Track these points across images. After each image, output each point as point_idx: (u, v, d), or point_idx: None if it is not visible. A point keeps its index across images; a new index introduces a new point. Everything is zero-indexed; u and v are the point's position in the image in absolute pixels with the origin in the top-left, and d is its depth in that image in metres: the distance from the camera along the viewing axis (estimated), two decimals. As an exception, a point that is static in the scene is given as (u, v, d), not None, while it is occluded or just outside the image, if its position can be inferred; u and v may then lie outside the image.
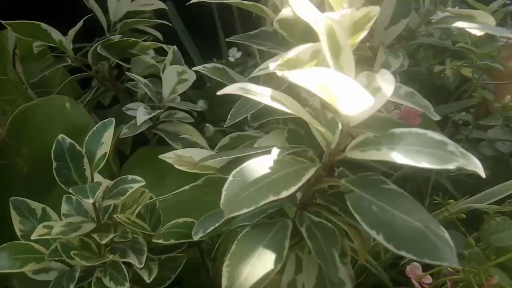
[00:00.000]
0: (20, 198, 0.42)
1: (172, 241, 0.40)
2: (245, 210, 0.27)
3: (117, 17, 0.62)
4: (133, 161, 0.58)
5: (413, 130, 0.30)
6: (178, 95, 0.58)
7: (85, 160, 0.40)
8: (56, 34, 0.57)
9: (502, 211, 0.62)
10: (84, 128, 0.48)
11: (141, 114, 0.54)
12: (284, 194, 0.27)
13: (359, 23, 0.29)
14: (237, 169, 0.30)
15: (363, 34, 0.30)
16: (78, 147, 0.40)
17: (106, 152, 0.40)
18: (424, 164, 0.27)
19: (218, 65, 0.47)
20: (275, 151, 0.31)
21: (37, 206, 0.42)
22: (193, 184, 0.38)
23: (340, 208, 0.35)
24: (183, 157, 0.39)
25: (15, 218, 0.41)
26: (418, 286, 0.55)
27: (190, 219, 0.42)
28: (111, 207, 0.43)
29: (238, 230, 0.43)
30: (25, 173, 0.45)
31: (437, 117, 0.35)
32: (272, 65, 0.29)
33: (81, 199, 0.44)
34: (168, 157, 0.39)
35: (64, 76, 0.67)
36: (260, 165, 0.30)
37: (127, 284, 0.38)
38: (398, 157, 0.28)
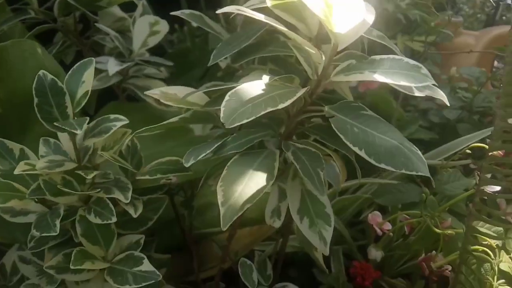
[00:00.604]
0: (-3, 138, 0.41)
1: (159, 175, 0.41)
2: (245, 121, 0.29)
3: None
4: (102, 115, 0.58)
5: (391, 56, 0.33)
6: (149, 47, 0.58)
7: (67, 97, 0.40)
8: (20, -18, 0.54)
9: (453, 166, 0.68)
10: (57, 74, 0.47)
11: (112, 65, 0.54)
12: (281, 106, 0.29)
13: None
14: (232, 91, 0.31)
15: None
16: (60, 83, 0.39)
17: (88, 91, 0.40)
18: (403, 82, 0.31)
19: (195, 12, 0.48)
20: (265, 77, 0.33)
21: (14, 146, 0.42)
22: (181, 116, 0.39)
23: (321, 137, 0.38)
24: (168, 93, 0.40)
25: (-8, 157, 0.41)
26: (379, 231, 0.60)
27: (173, 158, 0.43)
28: (91, 149, 0.43)
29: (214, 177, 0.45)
30: (0, 115, 0.44)
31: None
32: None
33: (59, 141, 0.43)
34: (153, 93, 0.40)
35: (23, 31, 0.65)
36: (253, 87, 0.32)
37: (114, 218, 0.39)
38: (380, 77, 0.31)
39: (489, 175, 0.51)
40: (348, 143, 0.32)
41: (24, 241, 0.41)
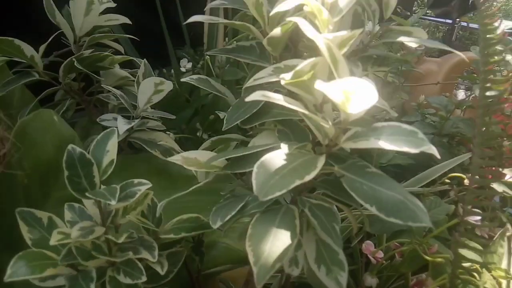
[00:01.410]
0: (26, 209, 0.43)
1: (183, 234, 0.45)
2: (277, 194, 0.33)
3: (83, 32, 0.64)
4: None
5: (390, 123, 0.38)
6: (154, 103, 0.62)
7: (94, 167, 0.43)
8: (28, 50, 0.57)
9: (433, 192, 0.75)
10: (72, 139, 0.51)
11: (122, 124, 0.57)
12: (307, 178, 0.34)
13: (344, 42, 0.37)
14: (258, 162, 0.36)
15: (345, 49, 0.38)
16: (88, 156, 0.43)
17: (113, 160, 0.44)
18: (405, 148, 0.36)
19: (202, 76, 0.52)
20: (284, 147, 0.38)
21: (43, 215, 0.44)
22: (206, 181, 0.43)
23: (331, 192, 0.42)
24: (189, 158, 0.44)
25: (23, 227, 0.43)
26: (373, 260, 0.65)
27: (194, 214, 0.46)
28: (113, 211, 0.46)
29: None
30: (25, 185, 0.46)
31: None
32: (287, 76, 0.35)
33: (83, 205, 0.46)
34: (175, 159, 0.44)
35: (23, 91, 0.67)
36: (276, 158, 0.36)
37: (144, 278, 0.42)
38: (385, 144, 0.36)
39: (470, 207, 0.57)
40: (360, 200, 0.37)
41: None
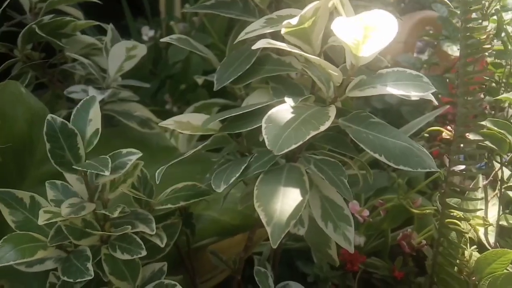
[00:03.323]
0: (5, 189, 0.39)
1: (182, 203, 0.42)
2: (293, 146, 0.31)
3: (39, -3, 0.58)
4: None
5: (395, 69, 0.37)
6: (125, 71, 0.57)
7: (79, 138, 0.39)
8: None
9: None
10: (43, 112, 0.46)
11: (93, 94, 0.53)
12: (322, 128, 0.32)
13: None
14: (266, 117, 0.34)
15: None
16: (70, 125, 0.39)
17: (98, 129, 0.40)
18: (414, 92, 0.35)
19: (182, 36, 0.49)
20: (289, 100, 0.36)
21: (24, 195, 0.40)
22: (203, 144, 0.40)
23: (334, 147, 0.41)
24: (182, 122, 0.41)
25: (4, 210, 0.39)
26: (360, 219, 0.65)
27: (189, 182, 0.44)
28: (100, 186, 0.43)
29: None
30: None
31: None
32: (293, 20, 0.33)
33: (66, 182, 0.42)
34: (168, 123, 0.41)
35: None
36: (283, 111, 0.34)
37: (144, 252, 0.40)
38: (393, 90, 0.35)
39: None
40: (368, 150, 0.36)
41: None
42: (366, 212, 0.65)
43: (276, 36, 0.40)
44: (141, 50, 0.56)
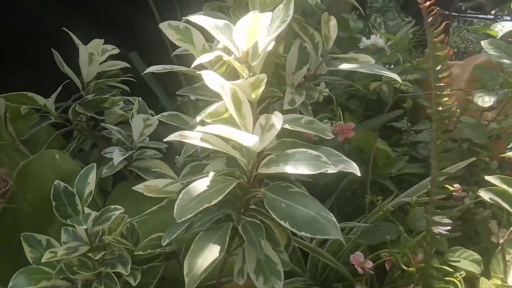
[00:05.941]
0: (29, 233, 0.54)
1: (149, 251, 0.53)
2: (189, 216, 0.40)
3: (89, 78, 0.75)
4: (114, 195, 0.71)
5: (300, 150, 0.44)
6: (147, 136, 0.71)
7: (77, 197, 0.53)
8: (40, 99, 0.70)
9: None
10: (73, 173, 0.61)
11: (117, 156, 0.67)
12: (214, 201, 0.41)
13: (255, 84, 0.43)
14: (185, 189, 0.43)
15: (261, 89, 0.44)
16: (70, 188, 0.53)
17: (92, 190, 0.53)
18: (304, 171, 0.41)
19: (173, 112, 0.61)
20: (211, 174, 0.45)
21: (42, 238, 0.55)
22: (159, 205, 0.51)
23: (265, 210, 0.48)
24: (150, 186, 0.52)
25: (26, 249, 0.54)
26: (361, 270, 0.68)
27: (162, 233, 0.54)
28: (100, 232, 0.56)
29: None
30: (30, 214, 0.58)
31: (330, 136, 0.49)
32: (199, 118, 0.42)
33: (75, 228, 0.56)
34: (139, 188, 0.52)
35: (49, 131, 0.80)
36: (201, 184, 0.43)
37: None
38: (289, 168, 0.42)
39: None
40: (276, 218, 0.43)
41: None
42: (368, 264, 0.68)
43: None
44: (154, 121, 0.69)
